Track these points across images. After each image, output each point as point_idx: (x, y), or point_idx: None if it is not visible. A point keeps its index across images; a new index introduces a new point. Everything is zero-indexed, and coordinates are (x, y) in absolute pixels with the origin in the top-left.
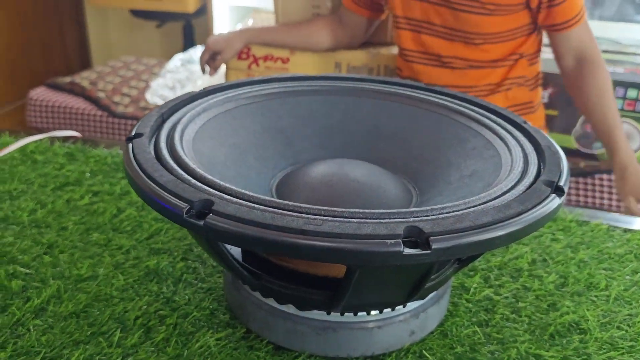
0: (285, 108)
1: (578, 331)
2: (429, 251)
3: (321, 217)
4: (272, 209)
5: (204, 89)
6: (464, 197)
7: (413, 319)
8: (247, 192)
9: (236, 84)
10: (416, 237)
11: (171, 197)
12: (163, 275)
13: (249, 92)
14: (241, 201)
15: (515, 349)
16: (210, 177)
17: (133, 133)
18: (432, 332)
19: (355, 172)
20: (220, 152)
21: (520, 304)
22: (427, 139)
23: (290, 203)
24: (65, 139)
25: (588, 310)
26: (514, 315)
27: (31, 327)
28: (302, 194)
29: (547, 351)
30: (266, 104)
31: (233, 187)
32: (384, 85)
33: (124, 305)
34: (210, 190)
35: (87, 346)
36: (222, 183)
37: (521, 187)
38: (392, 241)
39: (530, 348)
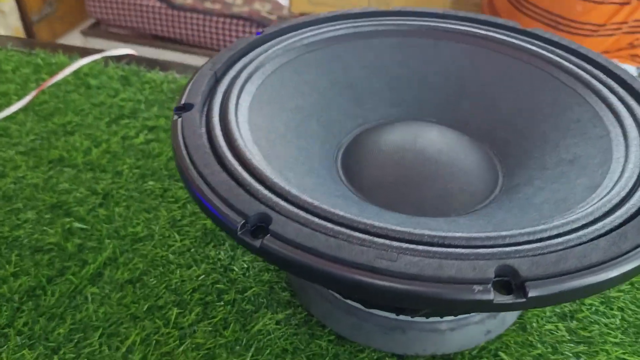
0: (354, 55)
1: None
2: (524, 300)
3: (397, 246)
4: (340, 229)
5: (262, 31)
6: (564, 199)
7: (490, 319)
8: (312, 202)
9: (296, 24)
10: (510, 278)
11: (225, 207)
12: (221, 237)
13: (312, 35)
14: (304, 215)
15: (605, 353)
16: (269, 175)
17: (182, 101)
18: (510, 325)
19: (432, 146)
20: (280, 121)
21: (613, 294)
22: (519, 101)
23: (362, 221)
24: (120, 58)
25: None
26: (604, 308)
27: (89, 296)
28: (370, 177)
29: None
30: (332, 51)
31: (296, 194)
32: (471, 25)
33: (180, 274)
34: (269, 196)
35: (144, 323)
36: (283, 186)
37: (638, 197)
38: (481, 287)
39: (624, 354)
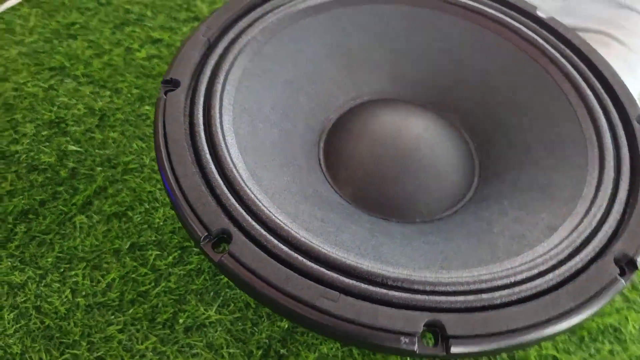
0: (356, 22)
1: None
2: (444, 354)
3: (340, 283)
4: (294, 255)
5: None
6: (521, 236)
7: None
8: (273, 219)
9: None
10: (438, 330)
11: (192, 215)
12: None
13: None
14: (263, 233)
15: None
16: (239, 179)
17: (170, 75)
18: None
19: (413, 142)
20: (268, 98)
21: None
22: (512, 100)
23: (316, 248)
24: None
25: None
26: None
27: (77, 224)
28: (346, 169)
29: None
30: (334, 16)
31: (260, 206)
32: (488, 4)
33: (164, 213)
34: (234, 206)
35: (125, 260)
36: (250, 194)
37: (589, 251)
38: (407, 340)
39: None
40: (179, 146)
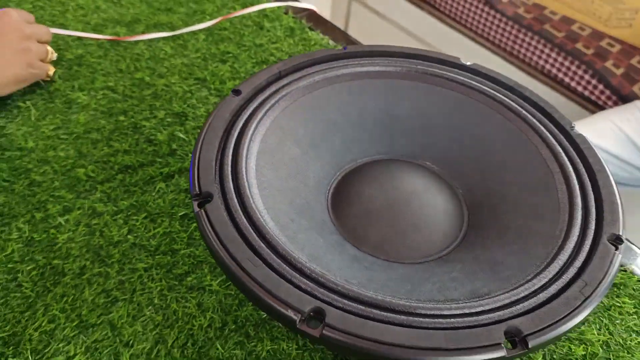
0: (367, 91)
1: None
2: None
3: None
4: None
5: (282, 66)
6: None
7: None
8: (358, 292)
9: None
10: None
11: (280, 304)
12: None
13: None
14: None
15: None
16: (299, 259)
17: (198, 188)
18: None
19: (409, 192)
20: (281, 172)
21: None
22: (502, 162)
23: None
24: (300, 10)
25: None
26: None
27: (157, 187)
28: (357, 224)
29: None
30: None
31: (345, 286)
32: (478, 81)
33: None
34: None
35: (175, 223)
36: (329, 276)
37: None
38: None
39: None
40: (241, 251)
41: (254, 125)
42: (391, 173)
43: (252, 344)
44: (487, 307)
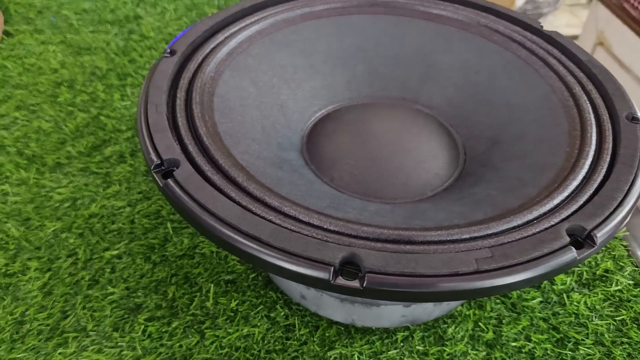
0: (353, 26)
1: None
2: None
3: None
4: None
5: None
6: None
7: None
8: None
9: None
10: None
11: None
12: None
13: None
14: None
15: None
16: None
17: (170, 47)
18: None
19: (396, 130)
20: (252, 90)
21: None
22: (506, 98)
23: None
24: None
25: None
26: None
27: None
28: (332, 153)
29: None
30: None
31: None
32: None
33: None
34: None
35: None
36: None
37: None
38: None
39: None
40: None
41: (208, 69)
42: (378, 117)
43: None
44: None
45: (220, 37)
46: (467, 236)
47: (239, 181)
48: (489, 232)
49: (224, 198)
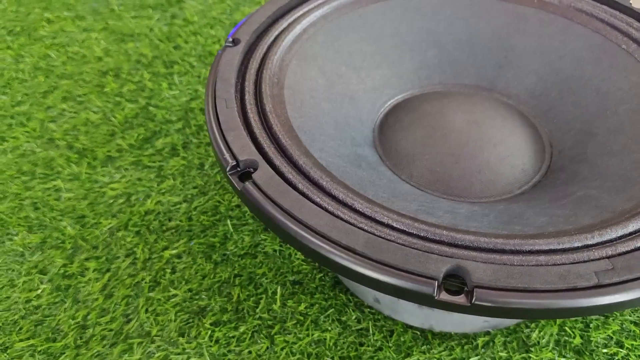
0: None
1: None
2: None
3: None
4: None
5: None
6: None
7: None
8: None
9: None
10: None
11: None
12: None
13: None
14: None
15: None
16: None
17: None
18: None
19: (474, 123)
20: (321, 80)
21: None
22: (599, 90)
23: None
24: None
25: None
26: None
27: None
28: (406, 147)
29: None
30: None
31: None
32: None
33: None
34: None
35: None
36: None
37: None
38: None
39: None
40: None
41: (276, 59)
42: (454, 107)
43: None
44: None
45: (284, 23)
46: (580, 244)
47: (324, 184)
48: (604, 239)
49: (309, 203)
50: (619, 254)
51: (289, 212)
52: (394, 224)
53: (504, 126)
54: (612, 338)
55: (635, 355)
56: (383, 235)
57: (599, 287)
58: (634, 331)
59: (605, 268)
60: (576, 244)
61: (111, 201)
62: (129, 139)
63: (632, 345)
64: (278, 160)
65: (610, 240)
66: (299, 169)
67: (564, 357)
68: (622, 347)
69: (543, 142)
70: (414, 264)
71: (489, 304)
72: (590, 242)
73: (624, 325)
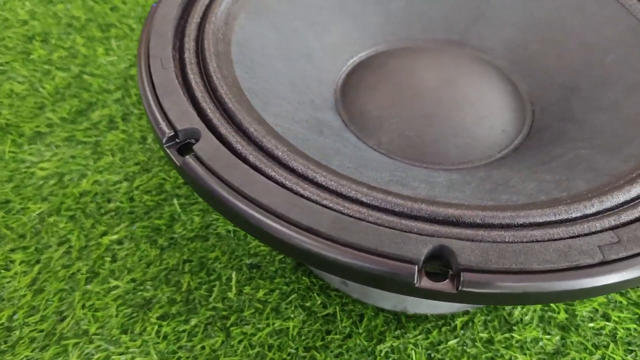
0: None
1: None
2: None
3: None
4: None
5: None
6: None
7: None
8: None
9: None
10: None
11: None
12: None
13: None
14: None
15: None
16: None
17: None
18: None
19: (448, 80)
20: (276, 35)
21: None
22: (583, 45)
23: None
24: None
25: None
26: None
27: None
28: (371, 109)
29: None
30: None
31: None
32: None
33: None
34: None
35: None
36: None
37: None
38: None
39: None
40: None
41: (219, 12)
42: (424, 64)
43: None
44: None
45: None
46: (579, 214)
47: (279, 155)
48: (604, 206)
49: (263, 178)
50: (624, 224)
51: (238, 190)
52: (364, 199)
53: (480, 83)
54: (597, 311)
55: (623, 327)
56: (351, 213)
57: (605, 264)
58: (620, 302)
59: (610, 241)
60: (574, 214)
61: (41, 183)
62: (60, 112)
63: (619, 317)
64: (224, 129)
65: (612, 208)
66: (250, 137)
67: (549, 334)
68: (608, 320)
69: (523, 100)
70: (389, 246)
71: (479, 290)
72: (589, 212)
73: (609, 296)
